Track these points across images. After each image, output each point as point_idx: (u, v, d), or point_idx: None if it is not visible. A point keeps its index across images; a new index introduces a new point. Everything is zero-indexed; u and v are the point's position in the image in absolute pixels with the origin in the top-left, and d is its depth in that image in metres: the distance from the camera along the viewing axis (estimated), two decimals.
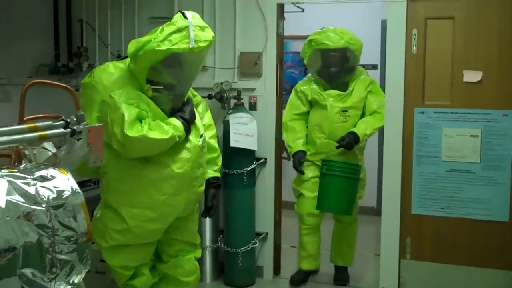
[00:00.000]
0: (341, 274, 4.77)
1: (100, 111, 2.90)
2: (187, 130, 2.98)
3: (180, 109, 3.02)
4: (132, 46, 2.88)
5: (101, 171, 3.06)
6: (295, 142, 4.56)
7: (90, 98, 2.97)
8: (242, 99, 4.63)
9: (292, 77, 6.81)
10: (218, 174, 3.36)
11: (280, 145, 4.91)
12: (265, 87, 4.69)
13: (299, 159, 4.53)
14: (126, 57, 3.06)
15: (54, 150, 2.23)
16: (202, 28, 2.92)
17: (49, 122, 2.17)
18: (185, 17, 2.88)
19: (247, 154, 4.53)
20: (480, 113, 4.20)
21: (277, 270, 4.84)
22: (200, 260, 4.62)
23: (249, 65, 4.66)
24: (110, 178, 3.01)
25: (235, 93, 4.61)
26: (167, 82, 2.92)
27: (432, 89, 4.32)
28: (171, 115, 2.98)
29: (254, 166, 4.60)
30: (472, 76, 4.18)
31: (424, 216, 4.36)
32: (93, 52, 5.07)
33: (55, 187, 1.92)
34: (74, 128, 2.19)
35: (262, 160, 4.70)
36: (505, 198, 4.19)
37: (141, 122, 2.84)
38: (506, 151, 4.17)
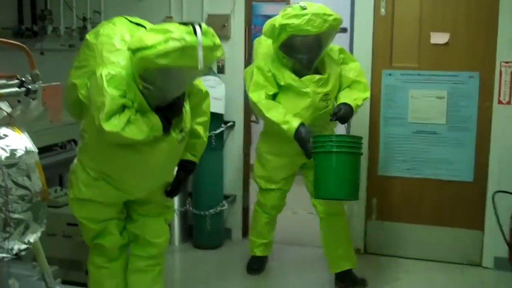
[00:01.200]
0: (353, 280, 3.95)
1: (89, 80, 2.77)
2: (167, 130, 2.82)
3: (168, 105, 2.81)
4: (135, 43, 2.63)
5: (80, 131, 3.02)
6: (286, 116, 3.68)
7: (87, 60, 2.87)
8: None
9: None
10: (194, 159, 3.17)
11: (249, 108, 4.89)
12: (233, 50, 4.65)
13: (307, 137, 3.61)
14: (142, 25, 2.90)
15: (9, 110, 2.19)
16: (213, 49, 2.58)
17: (3, 81, 2.14)
18: (195, 33, 2.51)
19: (215, 117, 4.48)
20: (447, 75, 4.24)
21: (245, 232, 4.87)
22: (169, 223, 4.68)
23: (217, 28, 4.52)
24: (87, 143, 2.96)
25: None
26: (159, 86, 2.70)
27: (400, 52, 4.34)
28: (157, 109, 2.79)
29: (223, 129, 4.59)
30: (439, 38, 4.20)
31: (391, 177, 4.42)
32: (57, 15, 4.96)
33: (8, 146, 1.90)
34: (29, 87, 2.15)
35: (230, 123, 4.69)
36: (470, 159, 4.26)
37: (123, 110, 2.68)
38: (471, 112, 4.22)
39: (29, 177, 1.93)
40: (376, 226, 4.49)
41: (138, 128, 2.70)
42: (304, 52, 3.64)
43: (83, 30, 4.84)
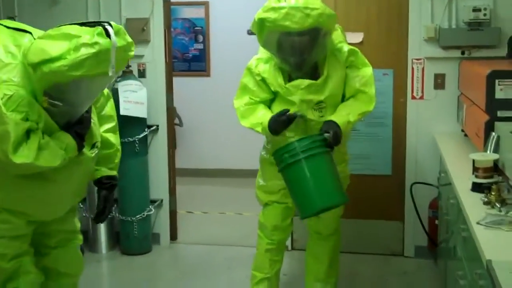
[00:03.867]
0: None
1: None
2: (81, 148, 2.55)
3: (77, 121, 2.52)
4: (35, 56, 2.27)
5: None
6: (259, 117, 3.24)
7: None
8: (130, 66, 4.55)
9: (183, 44, 6.77)
10: (113, 173, 2.87)
11: (172, 112, 4.89)
12: (153, 54, 4.64)
13: (280, 122, 3.15)
14: (25, 31, 2.55)
15: None
16: (125, 48, 2.37)
17: None
18: (108, 35, 2.27)
19: (138, 122, 4.48)
20: None
21: (174, 236, 4.87)
22: (95, 231, 4.61)
23: (136, 31, 4.56)
24: None
25: None
26: (70, 101, 2.40)
27: None
28: (65, 127, 2.49)
29: (146, 133, 4.56)
30: (353, 37, 4.33)
31: None
32: None
33: None
34: None
35: (153, 127, 4.67)
36: (388, 153, 4.43)
37: (28, 136, 2.34)
38: (387, 108, 4.39)
39: None
40: (301, 223, 4.56)
41: (52, 153, 2.39)
42: (290, 52, 3.10)
43: None
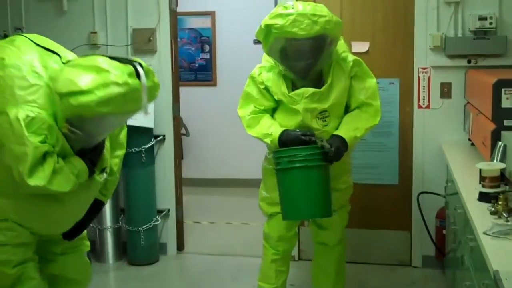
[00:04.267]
0: None
1: None
2: (92, 174, 2.55)
3: (92, 147, 2.53)
4: (64, 86, 2.24)
5: None
6: (270, 128, 3.22)
7: None
8: None
9: (189, 53, 6.80)
10: (103, 199, 2.87)
11: (178, 122, 4.90)
12: (160, 64, 4.64)
13: (292, 138, 3.14)
14: (52, 51, 2.51)
15: None
16: (153, 89, 2.36)
17: None
18: (138, 75, 2.24)
19: (145, 132, 4.49)
20: None
21: (180, 246, 4.86)
22: (102, 241, 4.62)
23: (143, 41, 4.60)
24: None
25: None
26: (90, 131, 2.41)
27: None
28: (80, 153, 2.49)
29: (153, 143, 4.57)
30: (359, 47, 4.34)
31: None
32: None
33: None
34: None
35: (160, 137, 4.67)
36: (394, 162, 4.42)
37: (45, 158, 2.35)
38: (394, 117, 4.38)
39: None
40: (309, 233, 4.56)
41: (65, 178, 2.40)
42: (295, 59, 3.09)
43: None
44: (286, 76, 3.20)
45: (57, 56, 2.52)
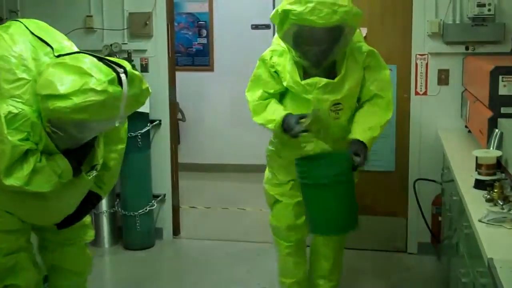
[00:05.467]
0: None
1: None
2: (78, 173, 2.48)
3: (79, 147, 2.44)
4: (43, 88, 2.19)
5: None
6: (274, 113, 3.11)
7: None
8: (133, 60, 4.53)
9: (187, 38, 6.75)
10: (100, 192, 2.81)
11: (174, 107, 4.88)
12: (156, 49, 4.62)
13: (292, 123, 3.01)
14: (47, 43, 2.45)
15: None
16: (139, 96, 2.29)
17: None
18: (120, 83, 2.18)
19: (141, 117, 4.46)
20: None
21: (176, 231, 4.87)
22: (98, 226, 4.61)
23: (139, 26, 4.56)
24: None
25: (126, 55, 4.50)
26: (72, 134, 2.32)
27: None
28: (66, 151, 2.42)
29: (149, 128, 4.55)
30: None
31: None
32: None
33: None
34: None
35: (156, 122, 4.66)
36: (391, 149, 4.41)
37: (26, 156, 2.30)
38: None
39: None
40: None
41: (45, 177, 2.33)
42: (310, 48, 2.97)
43: None
44: (298, 63, 3.08)
45: (50, 49, 2.45)
